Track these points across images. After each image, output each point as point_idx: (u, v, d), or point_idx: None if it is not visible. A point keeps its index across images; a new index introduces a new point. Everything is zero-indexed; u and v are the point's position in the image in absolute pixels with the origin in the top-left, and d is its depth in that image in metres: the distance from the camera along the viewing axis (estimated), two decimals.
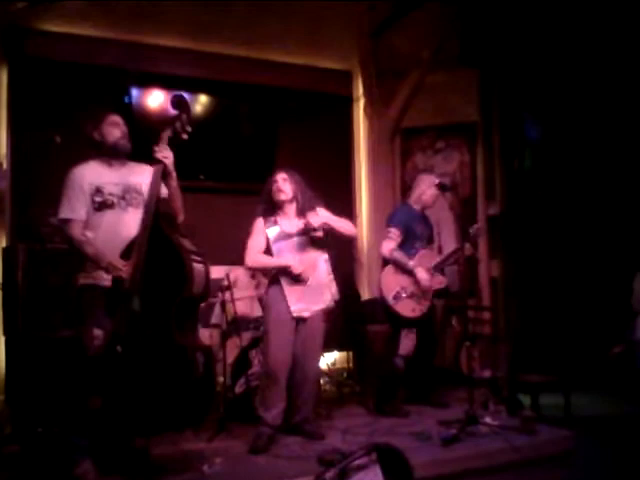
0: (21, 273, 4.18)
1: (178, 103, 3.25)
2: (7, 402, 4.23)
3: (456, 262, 4.57)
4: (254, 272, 5.07)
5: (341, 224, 3.90)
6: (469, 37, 6.25)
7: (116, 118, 3.36)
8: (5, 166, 4.95)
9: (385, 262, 4.52)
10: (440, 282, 4.52)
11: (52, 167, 4.41)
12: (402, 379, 4.54)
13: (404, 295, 4.41)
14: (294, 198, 3.88)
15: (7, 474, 3.32)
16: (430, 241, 4.70)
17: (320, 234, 3.82)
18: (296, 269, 3.74)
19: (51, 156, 4.81)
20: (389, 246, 4.46)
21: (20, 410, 4.04)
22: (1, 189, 4.85)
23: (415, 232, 4.54)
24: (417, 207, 4.63)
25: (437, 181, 4.46)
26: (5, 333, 4.42)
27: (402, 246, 4.49)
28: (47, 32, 5.18)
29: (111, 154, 3.32)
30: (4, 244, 4.87)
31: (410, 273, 4.42)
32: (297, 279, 3.76)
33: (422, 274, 4.41)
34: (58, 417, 3.73)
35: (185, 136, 3.21)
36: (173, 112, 3.23)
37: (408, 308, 4.41)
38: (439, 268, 4.53)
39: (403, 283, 4.43)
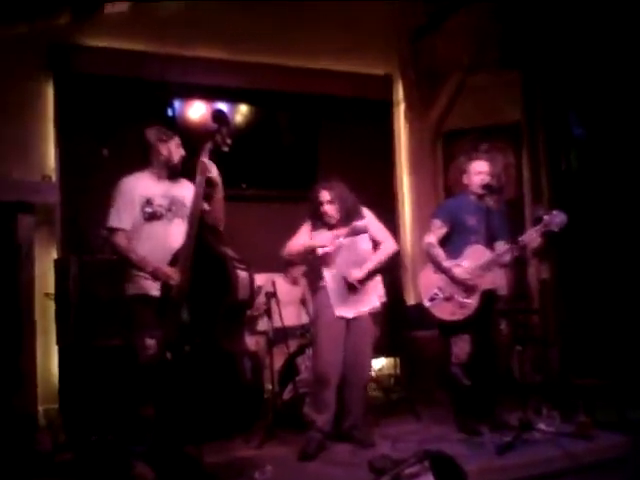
0: (73, 284, 4.27)
1: (218, 117, 3.33)
2: (61, 410, 4.31)
3: (512, 262, 3.99)
4: (295, 278, 5.11)
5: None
6: (510, 38, 6.17)
7: (179, 141, 3.45)
8: (54, 180, 5.07)
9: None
10: (491, 282, 3.96)
11: (100, 179, 4.53)
12: (470, 388, 3.98)
13: (441, 296, 3.96)
14: (341, 216, 3.87)
15: None
16: (495, 236, 3.96)
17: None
18: (326, 248, 3.76)
19: (98, 168, 4.95)
20: (427, 239, 4.04)
21: (74, 418, 4.12)
22: (51, 202, 4.96)
23: (465, 224, 4.00)
24: (472, 196, 4.08)
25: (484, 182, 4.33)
26: (58, 343, 4.51)
27: (452, 240, 4.02)
28: (90, 47, 5.29)
29: (167, 170, 3.41)
30: (56, 256, 4.97)
31: (446, 273, 3.96)
32: (327, 260, 3.78)
33: (458, 271, 3.92)
34: (111, 425, 3.79)
35: (226, 148, 3.28)
36: (214, 126, 3.29)
37: (446, 311, 3.96)
38: (489, 267, 3.94)
39: (440, 283, 3.98)
